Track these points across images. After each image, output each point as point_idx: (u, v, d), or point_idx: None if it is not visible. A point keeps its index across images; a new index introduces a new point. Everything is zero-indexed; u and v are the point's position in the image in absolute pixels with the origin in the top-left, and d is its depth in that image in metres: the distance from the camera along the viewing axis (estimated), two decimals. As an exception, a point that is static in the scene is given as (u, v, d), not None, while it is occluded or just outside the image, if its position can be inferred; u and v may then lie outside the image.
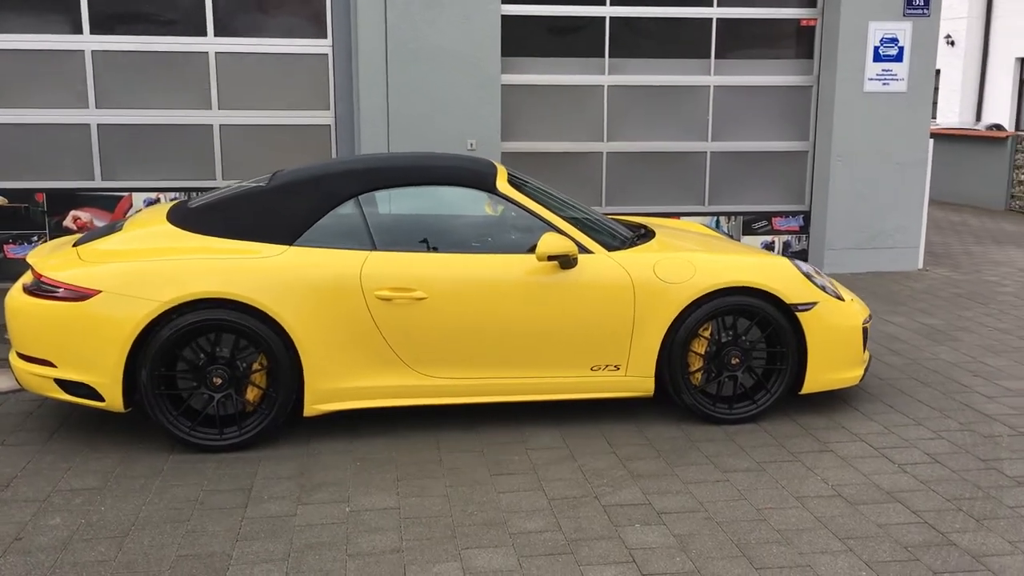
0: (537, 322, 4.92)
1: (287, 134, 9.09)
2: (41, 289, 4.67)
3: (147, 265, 4.66)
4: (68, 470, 4.50)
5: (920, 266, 9.97)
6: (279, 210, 4.92)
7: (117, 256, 4.74)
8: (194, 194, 8.25)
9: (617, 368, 5.06)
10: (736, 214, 9.97)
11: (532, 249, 4.95)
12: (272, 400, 4.75)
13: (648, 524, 3.97)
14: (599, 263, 5.01)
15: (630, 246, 5.24)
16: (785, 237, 10.09)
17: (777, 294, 5.07)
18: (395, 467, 4.56)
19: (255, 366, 4.79)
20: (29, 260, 4.97)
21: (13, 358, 4.86)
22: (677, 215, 9.58)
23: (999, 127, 20.77)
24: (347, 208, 4.97)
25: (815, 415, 5.31)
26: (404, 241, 4.99)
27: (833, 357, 5.23)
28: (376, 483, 4.37)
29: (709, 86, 9.74)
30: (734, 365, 5.14)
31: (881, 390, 5.77)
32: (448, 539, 3.83)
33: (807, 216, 10.09)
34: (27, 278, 4.86)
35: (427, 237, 5.06)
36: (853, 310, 5.31)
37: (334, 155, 9.28)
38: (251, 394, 4.82)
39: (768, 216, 10.03)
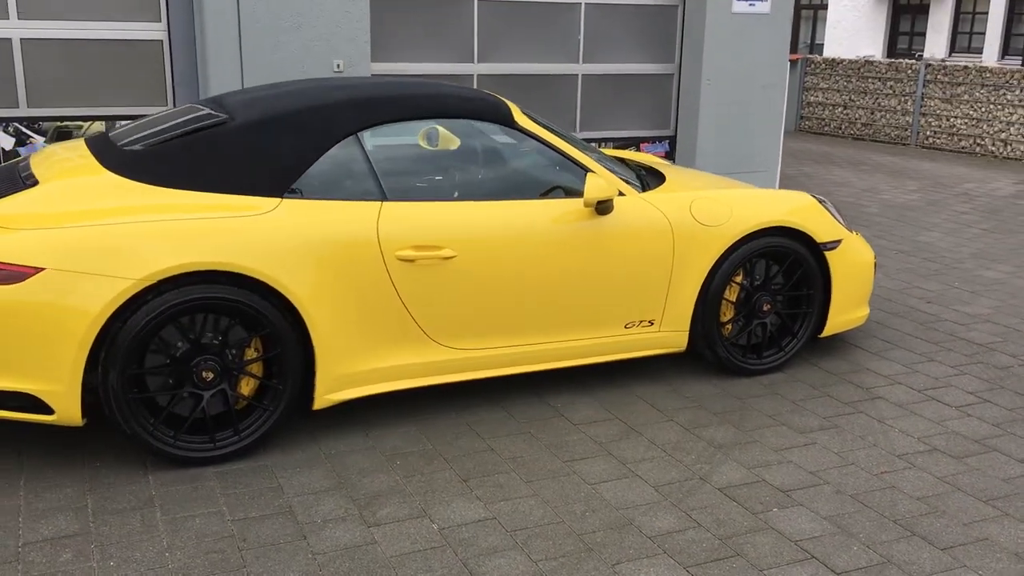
0: (572, 277, 4.25)
1: (105, 51, 7.52)
2: (-56, 269, 3.39)
3: (107, 230, 3.49)
4: (22, 513, 3.34)
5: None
6: (258, 153, 3.86)
7: (52, 220, 3.51)
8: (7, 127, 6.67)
9: (651, 324, 4.51)
10: (607, 140, 9.57)
11: (549, 192, 4.23)
12: (277, 393, 3.78)
13: (785, 506, 3.50)
14: (635, 206, 4.38)
15: (654, 186, 4.64)
16: (657, 163, 9.84)
17: (810, 233, 4.70)
18: (445, 462, 3.78)
19: (249, 353, 3.78)
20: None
21: (-100, 364, 3.53)
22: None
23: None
24: (345, 148, 4.00)
25: (831, 359, 5.05)
26: (417, 188, 4.10)
27: (852, 296, 4.96)
28: (440, 486, 3.58)
29: (581, 3, 9.17)
30: (764, 312, 4.73)
31: (868, 325, 5.61)
32: (586, 553, 3.16)
33: (673, 141, 9.88)
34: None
35: (442, 181, 4.19)
36: (866, 245, 5.05)
37: (168, 78, 7.84)
38: (246, 388, 3.81)
39: (637, 141, 9.72)
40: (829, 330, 4.93)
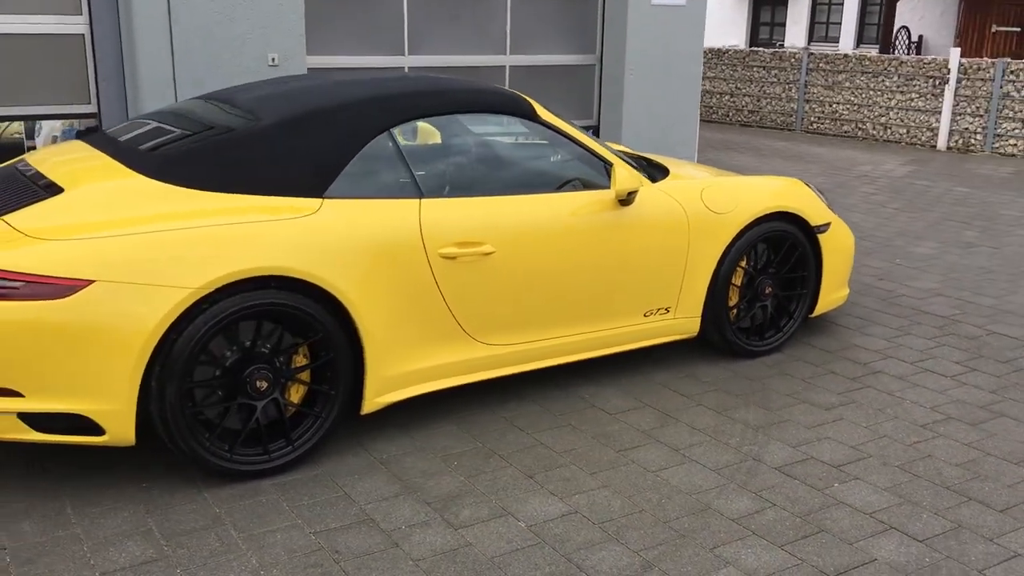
0: (599, 269, 4.29)
1: (21, 46, 7.03)
2: (-22, 285, 3.13)
3: (157, 237, 3.30)
4: (85, 542, 3.13)
5: (703, 176, 10.40)
6: (296, 153, 3.73)
7: (95, 228, 3.29)
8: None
9: (667, 311, 4.60)
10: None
11: (566, 184, 4.26)
12: (329, 399, 3.67)
13: (844, 481, 3.65)
14: (652, 197, 4.46)
15: (660, 177, 4.73)
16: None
17: (807, 218, 4.89)
18: (502, 460, 3.76)
19: (298, 359, 3.66)
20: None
21: (-75, 391, 3.24)
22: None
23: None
24: (379, 145, 3.90)
25: (819, 337, 5.27)
26: (452, 183, 4.05)
27: (838, 276, 5.19)
28: (508, 484, 3.56)
29: (508, -4, 9.19)
30: (766, 295, 4.90)
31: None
32: (681, 540, 3.22)
33: (596, 130, 10.04)
34: (-70, 270, 3.23)
35: (474, 177, 4.15)
36: (847, 228, 5.29)
37: (91, 74, 7.41)
38: (295, 396, 3.69)
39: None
40: (819, 310, 5.14)
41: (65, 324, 3.14)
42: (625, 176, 4.19)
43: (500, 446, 3.88)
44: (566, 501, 3.45)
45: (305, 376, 3.66)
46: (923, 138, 13.60)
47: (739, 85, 15.91)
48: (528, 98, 4.35)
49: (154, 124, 4.11)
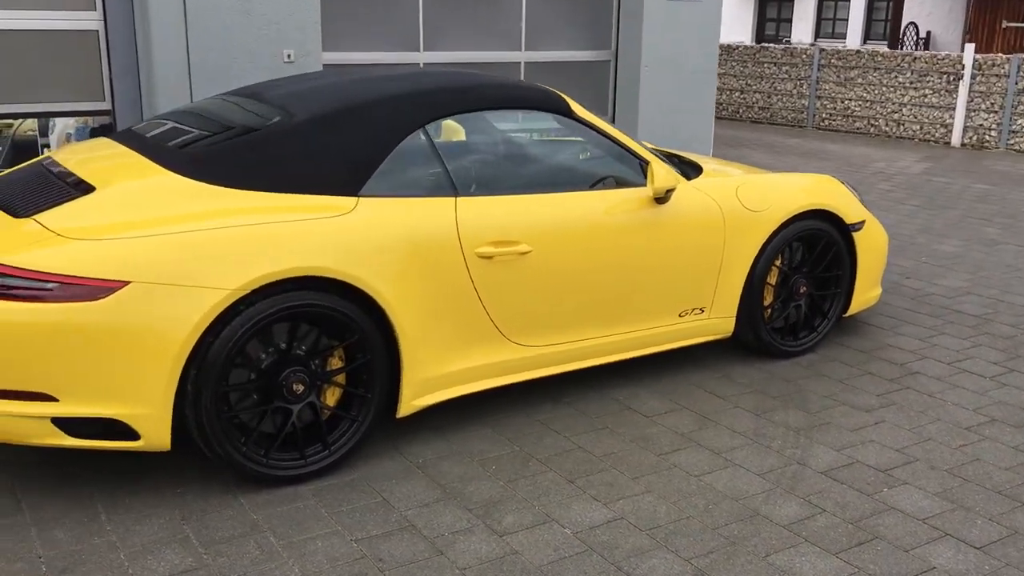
0: (634, 268, 4.20)
1: (35, 43, 6.95)
2: (12, 287, 3.05)
3: (194, 237, 3.21)
4: (122, 549, 3.05)
5: (719, 173, 10.32)
6: (331, 150, 3.64)
7: (129, 228, 3.21)
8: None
9: (702, 311, 4.51)
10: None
11: (599, 182, 4.17)
12: (365, 402, 3.59)
13: (893, 486, 3.57)
14: (688, 194, 4.37)
15: (693, 174, 4.64)
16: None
17: (842, 215, 4.80)
18: (541, 464, 3.68)
19: (333, 362, 3.57)
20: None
21: (-45, 395, 3.16)
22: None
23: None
24: (414, 141, 3.81)
25: (852, 338, 5.19)
26: (486, 181, 3.96)
27: (871, 275, 5.11)
28: (549, 489, 3.48)
29: (523, -9, 9.10)
30: (800, 294, 4.81)
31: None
32: (732, 547, 3.14)
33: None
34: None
35: (508, 174, 4.06)
36: (880, 226, 5.20)
37: (105, 71, 7.32)
38: (331, 399, 3.61)
39: (578, 129, 9.72)
40: (853, 309, 5.06)
41: (100, 326, 3.06)
42: (663, 174, 4.10)
43: (538, 450, 3.79)
44: (610, 507, 3.37)
45: (340, 379, 3.57)
46: (937, 134, 13.51)
47: (749, 82, 15.82)
48: (563, 95, 4.26)
49: (181, 121, 4.02)
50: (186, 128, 3.91)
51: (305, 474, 3.48)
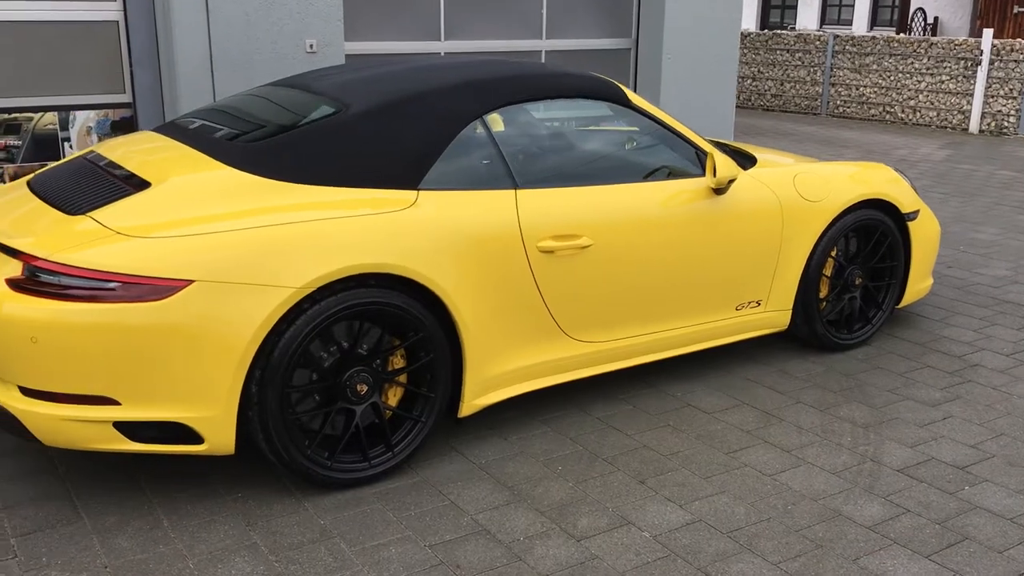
0: (693, 260, 4.09)
1: (53, 35, 6.81)
2: (70, 287, 2.93)
3: (258, 234, 3.10)
4: (191, 558, 2.94)
5: (741, 162, 10.20)
6: (390, 143, 3.52)
7: (191, 224, 3.09)
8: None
9: (758, 304, 4.41)
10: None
11: (654, 173, 4.06)
12: (428, 401, 3.47)
13: (974, 484, 3.46)
14: (745, 185, 4.26)
15: (748, 164, 4.53)
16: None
17: (898, 205, 4.69)
18: (608, 464, 3.57)
19: (395, 361, 3.46)
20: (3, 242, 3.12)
21: (12, 399, 3.04)
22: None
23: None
24: (472, 133, 3.70)
25: (904, 329, 5.08)
26: (546, 173, 3.84)
27: (925, 265, 5.00)
28: (620, 490, 3.37)
29: (545, -22, 8.97)
30: (856, 285, 4.71)
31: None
32: (819, 550, 3.03)
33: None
34: (14, 271, 3.03)
35: (565, 165, 3.94)
36: (933, 215, 5.09)
37: (125, 62, 7.18)
38: (393, 399, 3.50)
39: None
40: (906, 300, 4.95)
41: (163, 327, 2.95)
42: (726, 164, 3.99)
43: (602, 449, 3.69)
44: (686, 508, 3.26)
45: (402, 378, 3.46)
46: (954, 121, 13.40)
47: (762, 69, 15.68)
48: (619, 83, 4.14)
49: (226, 114, 3.90)
50: (233, 121, 3.79)
51: (368, 477, 3.37)
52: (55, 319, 2.90)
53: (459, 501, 3.29)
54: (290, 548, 3.00)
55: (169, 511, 3.20)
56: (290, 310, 3.09)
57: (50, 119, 6.96)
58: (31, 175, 3.83)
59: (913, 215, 4.78)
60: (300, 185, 3.32)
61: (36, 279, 2.96)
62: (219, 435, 3.08)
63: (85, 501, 3.25)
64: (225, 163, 3.38)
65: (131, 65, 7.10)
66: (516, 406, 4.02)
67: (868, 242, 4.69)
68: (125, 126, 7.18)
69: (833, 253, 4.59)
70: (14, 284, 2.98)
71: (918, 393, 4.25)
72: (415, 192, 3.46)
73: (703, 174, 4.12)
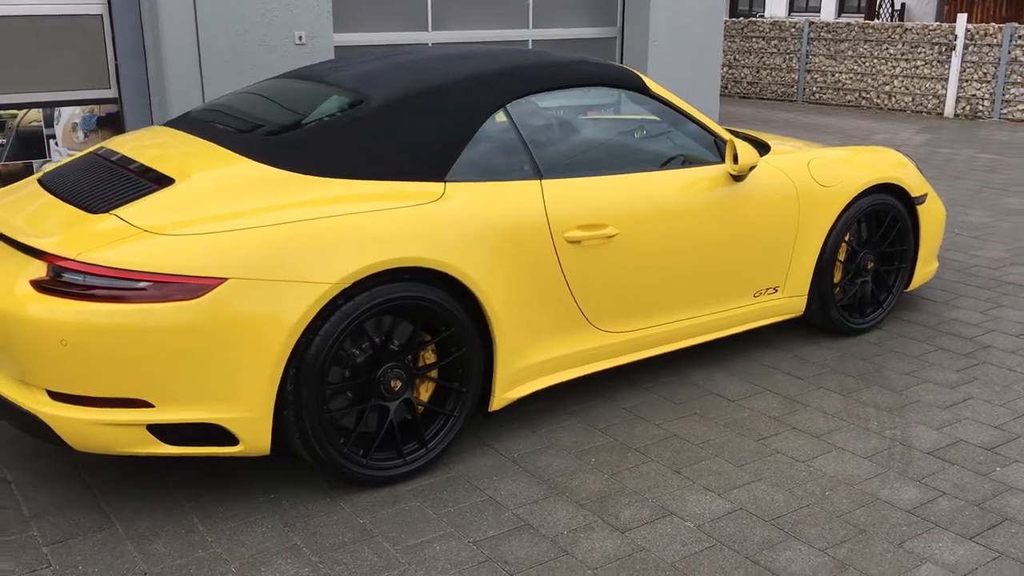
0: (714, 248, 4.08)
1: (36, 29, 6.65)
2: (99, 288, 2.85)
3: (288, 230, 3.03)
4: (232, 561, 2.88)
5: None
6: (416, 134, 3.46)
7: (219, 220, 3.02)
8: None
9: (776, 290, 4.41)
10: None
11: (671, 161, 4.04)
12: (460, 396, 3.43)
13: (1005, 464, 3.48)
14: (763, 171, 4.25)
15: (762, 150, 4.52)
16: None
17: (908, 189, 4.71)
18: (641, 454, 3.55)
19: (427, 356, 3.42)
20: (29, 243, 3.03)
21: (39, 403, 2.96)
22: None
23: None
24: (495, 124, 3.65)
25: (912, 313, 5.11)
26: (570, 162, 3.80)
27: (932, 248, 5.03)
28: (657, 481, 3.35)
29: (529, -33, 8.91)
30: (868, 270, 4.72)
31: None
32: (862, 535, 3.03)
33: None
34: (39, 271, 2.94)
35: (585, 154, 3.91)
36: (938, 199, 5.12)
37: (110, 57, 7.03)
38: (425, 394, 3.45)
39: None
40: (915, 283, 4.98)
41: (197, 327, 2.88)
42: (746, 151, 3.98)
43: (632, 439, 3.67)
44: (725, 497, 3.25)
45: (433, 373, 3.41)
46: (929, 106, 13.53)
47: (738, 56, 15.74)
48: (638, 72, 4.11)
49: (244, 107, 3.82)
50: (250, 115, 3.72)
51: (402, 474, 3.33)
52: (85, 321, 2.82)
53: (496, 496, 3.26)
54: (332, 548, 2.95)
55: (203, 515, 3.13)
56: (325, 307, 3.03)
57: (34, 116, 6.81)
58: (41, 172, 3.73)
59: (922, 199, 4.80)
60: (326, 179, 3.26)
61: (63, 280, 2.88)
62: (255, 436, 3.02)
63: (114, 506, 3.17)
64: (249, 157, 3.30)
65: (116, 59, 6.96)
66: (542, 398, 3.99)
67: (879, 227, 4.71)
68: (112, 122, 7.04)
69: (847, 238, 4.60)
70: (40, 285, 2.90)
71: (935, 375, 4.27)
72: (442, 184, 3.41)
73: (721, 161, 4.10)
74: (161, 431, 2.95)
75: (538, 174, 3.64)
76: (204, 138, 3.55)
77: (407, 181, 3.36)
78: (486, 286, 3.36)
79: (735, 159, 3.99)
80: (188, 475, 3.36)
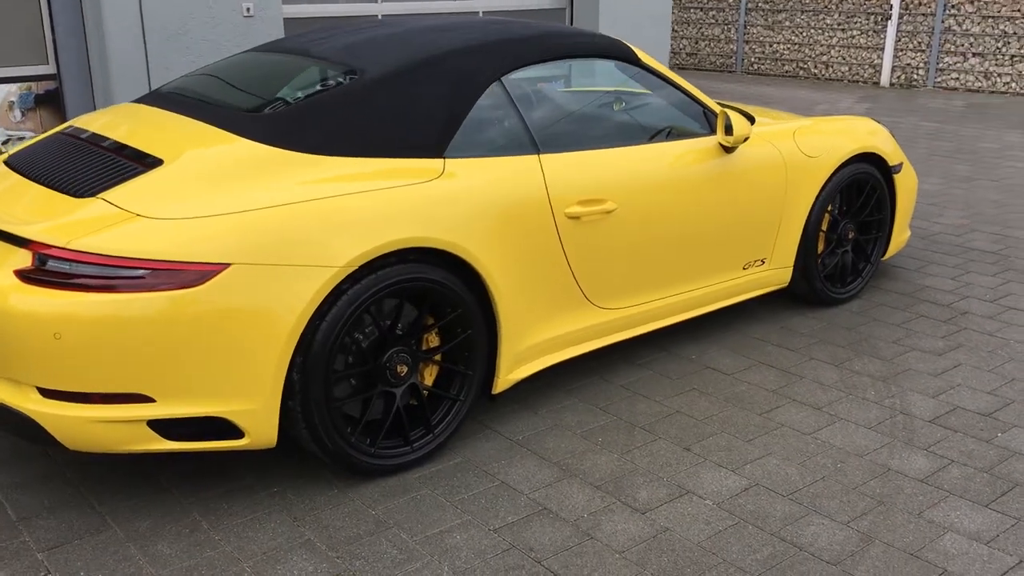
0: (707, 221, 4.04)
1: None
2: (92, 276, 2.68)
3: (291, 211, 2.88)
4: (245, 560, 2.74)
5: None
6: (413, 109, 3.32)
7: (215, 203, 2.85)
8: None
9: (763, 262, 4.39)
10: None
11: (659, 133, 3.99)
12: (466, 379, 3.33)
13: (1005, 430, 3.52)
14: (752, 142, 4.21)
15: (750, 122, 4.48)
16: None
17: (887, 158, 4.73)
18: (647, 432, 3.50)
19: (431, 339, 3.31)
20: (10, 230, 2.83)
21: (30, 401, 2.77)
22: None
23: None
24: (490, 97, 3.53)
25: (887, 280, 5.17)
26: (564, 136, 3.70)
27: (906, 217, 5.08)
28: (669, 459, 3.31)
29: (480, -63, 8.74)
30: (848, 240, 4.74)
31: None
32: (881, 506, 3.03)
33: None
34: (23, 261, 2.75)
35: (581, 128, 3.81)
36: (911, 167, 5.16)
37: (47, 31, 6.68)
38: (429, 378, 3.35)
39: (537, 80, 9.47)
40: (890, 252, 5.02)
41: (199, 316, 2.72)
42: (740, 123, 3.93)
43: (636, 417, 3.62)
44: (739, 473, 3.22)
45: (438, 356, 3.30)
46: (865, 75, 13.73)
47: (676, 27, 15.75)
48: (627, 42, 4.02)
49: (223, 81, 3.63)
50: (232, 91, 3.53)
51: (410, 462, 3.22)
52: (77, 312, 2.64)
53: (509, 480, 3.17)
54: (348, 542, 2.83)
55: (204, 512, 2.98)
56: (332, 291, 2.89)
57: (-33, 95, 6.45)
58: (5, 154, 3.50)
59: (898, 167, 4.83)
60: (323, 157, 3.11)
61: (52, 269, 2.69)
62: (261, 428, 2.88)
63: (108, 506, 3.01)
64: (240, 135, 3.13)
65: (54, 34, 6.61)
66: (538, 377, 3.91)
67: (858, 196, 4.72)
68: (51, 100, 6.71)
69: (829, 208, 4.60)
70: (25, 276, 2.71)
71: (921, 343, 4.31)
72: (441, 160, 3.29)
73: (710, 133, 4.05)
74: (163, 426, 2.79)
75: (536, 149, 3.54)
76: (187, 116, 3.36)
77: (406, 158, 3.23)
78: (490, 266, 3.25)
79: (728, 130, 3.94)
80: (181, 471, 3.20)
